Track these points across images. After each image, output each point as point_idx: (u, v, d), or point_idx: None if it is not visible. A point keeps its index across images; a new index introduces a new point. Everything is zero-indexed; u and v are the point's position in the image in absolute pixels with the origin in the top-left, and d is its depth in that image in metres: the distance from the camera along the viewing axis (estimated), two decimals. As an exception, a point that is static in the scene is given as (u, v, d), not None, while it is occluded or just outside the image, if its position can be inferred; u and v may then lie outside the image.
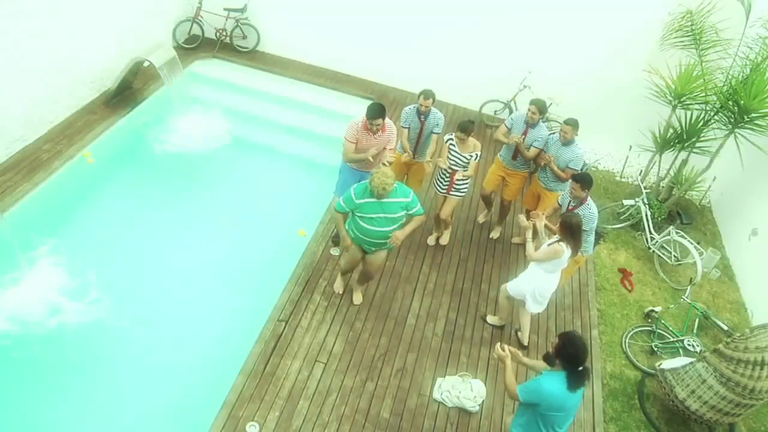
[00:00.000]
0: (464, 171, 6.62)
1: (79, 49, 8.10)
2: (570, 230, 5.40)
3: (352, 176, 6.38)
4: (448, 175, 6.73)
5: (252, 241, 7.22)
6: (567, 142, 6.59)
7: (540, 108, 6.66)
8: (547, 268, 5.60)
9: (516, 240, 7.65)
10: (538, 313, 6.16)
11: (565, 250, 5.43)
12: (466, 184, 6.84)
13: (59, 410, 5.21)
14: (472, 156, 6.56)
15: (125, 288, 6.28)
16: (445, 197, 6.89)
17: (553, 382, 3.88)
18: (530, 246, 5.66)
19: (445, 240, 7.40)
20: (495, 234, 7.74)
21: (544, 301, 5.87)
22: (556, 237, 5.61)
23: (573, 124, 6.55)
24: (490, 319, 6.45)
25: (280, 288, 6.35)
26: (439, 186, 6.88)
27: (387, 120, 6.17)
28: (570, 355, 3.86)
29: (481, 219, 7.94)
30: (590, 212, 5.97)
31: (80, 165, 7.71)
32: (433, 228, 7.44)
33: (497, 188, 7.49)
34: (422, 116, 6.74)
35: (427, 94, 6.59)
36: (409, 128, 6.82)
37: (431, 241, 7.39)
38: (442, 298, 6.67)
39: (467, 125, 6.43)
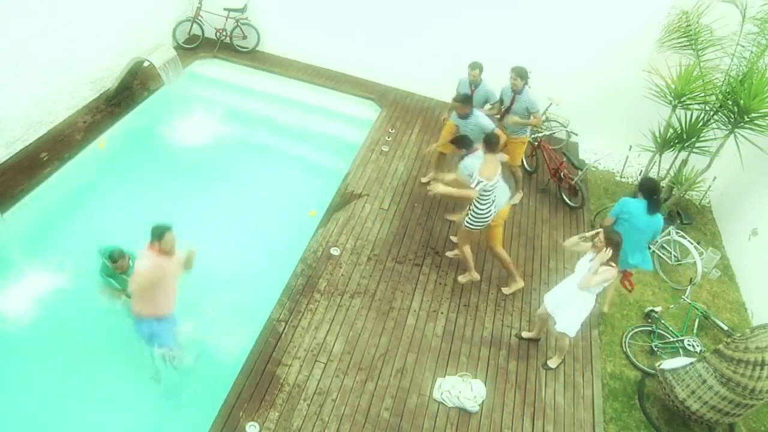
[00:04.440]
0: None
1: (79, 49, 8.11)
2: (611, 245, 5.16)
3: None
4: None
5: (252, 240, 7.23)
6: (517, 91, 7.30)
7: (519, 73, 7.23)
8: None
9: (450, 217, 7.76)
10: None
11: (615, 271, 5.25)
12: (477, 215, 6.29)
13: (55, 409, 5.22)
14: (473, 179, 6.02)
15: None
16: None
17: (635, 200, 6.01)
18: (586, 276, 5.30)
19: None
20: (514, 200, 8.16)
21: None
22: (593, 255, 5.32)
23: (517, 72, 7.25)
24: (552, 362, 6.16)
25: (280, 288, 6.36)
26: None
27: None
28: (646, 187, 5.95)
29: None
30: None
31: (80, 165, 7.71)
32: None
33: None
34: (472, 85, 7.55)
35: (473, 66, 7.45)
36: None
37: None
38: (442, 298, 6.67)
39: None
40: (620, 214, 6.04)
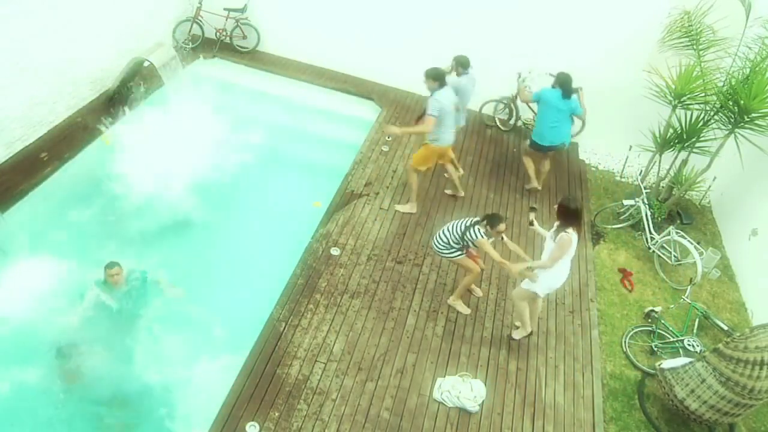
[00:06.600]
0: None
1: (79, 48, 8.11)
2: (567, 214, 5.38)
3: None
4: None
5: (252, 240, 7.23)
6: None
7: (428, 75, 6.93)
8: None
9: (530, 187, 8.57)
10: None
11: (573, 237, 5.37)
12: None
13: (55, 410, 5.22)
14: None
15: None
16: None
17: (551, 90, 7.73)
18: (538, 263, 5.64)
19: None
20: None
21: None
22: (553, 228, 5.56)
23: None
24: (517, 333, 6.29)
25: (280, 288, 6.36)
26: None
27: None
28: (560, 79, 7.61)
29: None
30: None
31: (80, 165, 7.71)
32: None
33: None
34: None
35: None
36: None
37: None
38: (442, 298, 6.67)
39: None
40: (539, 98, 7.87)
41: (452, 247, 6.12)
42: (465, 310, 6.56)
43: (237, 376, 5.40)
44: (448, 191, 8.27)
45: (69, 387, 5.37)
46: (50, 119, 7.96)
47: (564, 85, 7.60)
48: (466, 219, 6.06)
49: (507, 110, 9.90)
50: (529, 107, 9.46)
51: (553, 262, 5.50)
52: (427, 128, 6.97)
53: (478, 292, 6.81)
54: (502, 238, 6.01)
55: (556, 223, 5.52)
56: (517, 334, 6.25)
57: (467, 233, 5.93)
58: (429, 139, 7.29)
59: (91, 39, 8.29)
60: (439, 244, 6.19)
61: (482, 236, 5.87)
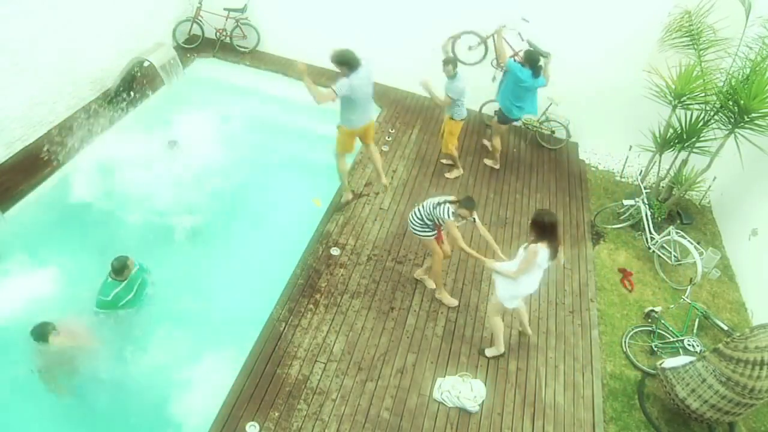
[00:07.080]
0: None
1: (79, 49, 8.11)
2: (542, 228, 5.20)
3: None
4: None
5: (252, 240, 7.23)
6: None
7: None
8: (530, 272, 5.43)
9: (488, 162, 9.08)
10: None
11: (540, 249, 5.19)
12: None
13: (52, 411, 5.22)
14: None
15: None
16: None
17: (524, 70, 7.86)
18: (506, 272, 5.46)
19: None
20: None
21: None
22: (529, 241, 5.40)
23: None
24: (489, 351, 6.15)
25: (280, 288, 6.36)
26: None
27: None
28: (530, 58, 7.86)
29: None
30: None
31: (80, 165, 7.70)
32: None
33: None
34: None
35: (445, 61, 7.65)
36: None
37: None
38: (442, 298, 6.67)
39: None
40: (509, 71, 8.06)
41: (426, 225, 6.08)
42: (451, 302, 6.55)
43: (237, 376, 5.41)
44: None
45: (65, 386, 5.37)
46: (50, 119, 7.96)
47: (533, 65, 7.85)
48: (441, 196, 6.00)
49: (482, 47, 9.70)
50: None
51: (518, 274, 5.34)
52: (320, 97, 6.60)
53: (431, 284, 6.72)
54: (474, 220, 5.95)
55: (532, 237, 5.31)
56: (489, 352, 6.11)
57: (436, 210, 5.90)
58: (340, 122, 7.15)
59: (91, 39, 8.29)
60: (414, 221, 6.16)
61: (450, 216, 5.82)
